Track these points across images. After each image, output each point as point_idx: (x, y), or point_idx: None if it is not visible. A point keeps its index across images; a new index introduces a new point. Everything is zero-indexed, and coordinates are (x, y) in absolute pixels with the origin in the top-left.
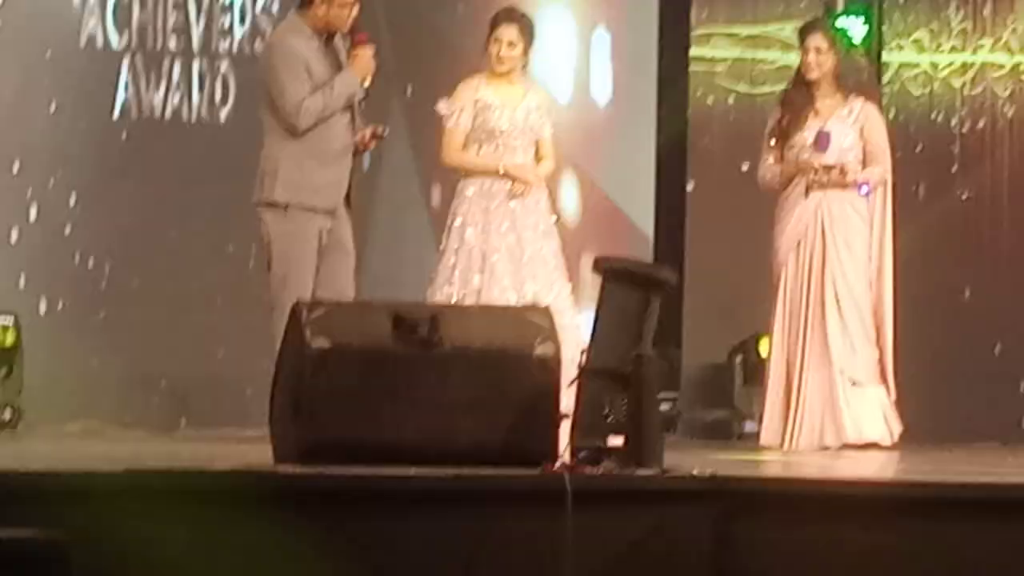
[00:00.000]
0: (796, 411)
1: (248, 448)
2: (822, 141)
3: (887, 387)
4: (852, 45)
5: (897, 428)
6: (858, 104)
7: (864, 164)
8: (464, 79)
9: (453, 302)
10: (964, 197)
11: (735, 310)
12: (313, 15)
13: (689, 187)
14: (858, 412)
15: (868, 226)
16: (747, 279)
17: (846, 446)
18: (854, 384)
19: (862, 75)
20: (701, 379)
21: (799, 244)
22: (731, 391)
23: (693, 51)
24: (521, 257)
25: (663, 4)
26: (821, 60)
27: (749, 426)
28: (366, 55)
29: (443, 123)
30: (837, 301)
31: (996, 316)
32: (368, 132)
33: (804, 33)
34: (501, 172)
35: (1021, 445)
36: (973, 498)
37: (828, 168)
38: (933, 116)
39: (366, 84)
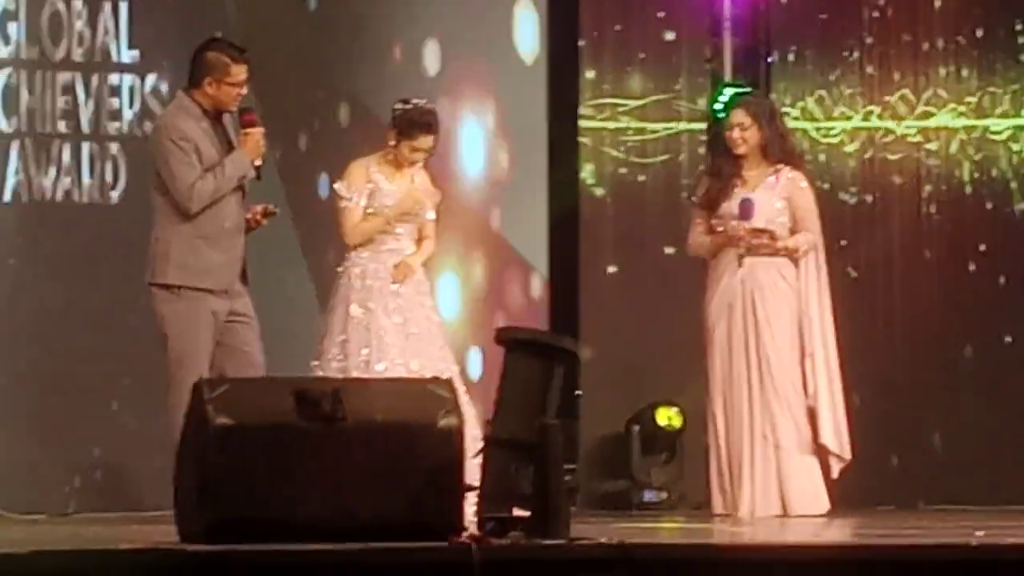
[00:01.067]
0: (735, 479)
1: (151, 528)
2: (746, 209)
3: (833, 460)
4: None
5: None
6: (784, 172)
7: (793, 231)
8: (352, 163)
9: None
10: (853, 275)
11: (631, 379)
12: (202, 94)
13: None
14: (792, 480)
15: (795, 293)
16: (643, 348)
17: (785, 515)
18: (784, 450)
19: (786, 143)
20: (598, 449)
21: (729, 310)
22: (629, 461)
23: (582, 122)
24: (407, 333)
25: (552, 73)
26: (747, 136)
27: (648, 495)
28: (256, 135)
29: (338, 203)
30: (768, 368)
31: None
32: (259, 209)
33: (727, 109)
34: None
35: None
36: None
37: (758, 232)
38: (823, 185)
39: (257, 163)
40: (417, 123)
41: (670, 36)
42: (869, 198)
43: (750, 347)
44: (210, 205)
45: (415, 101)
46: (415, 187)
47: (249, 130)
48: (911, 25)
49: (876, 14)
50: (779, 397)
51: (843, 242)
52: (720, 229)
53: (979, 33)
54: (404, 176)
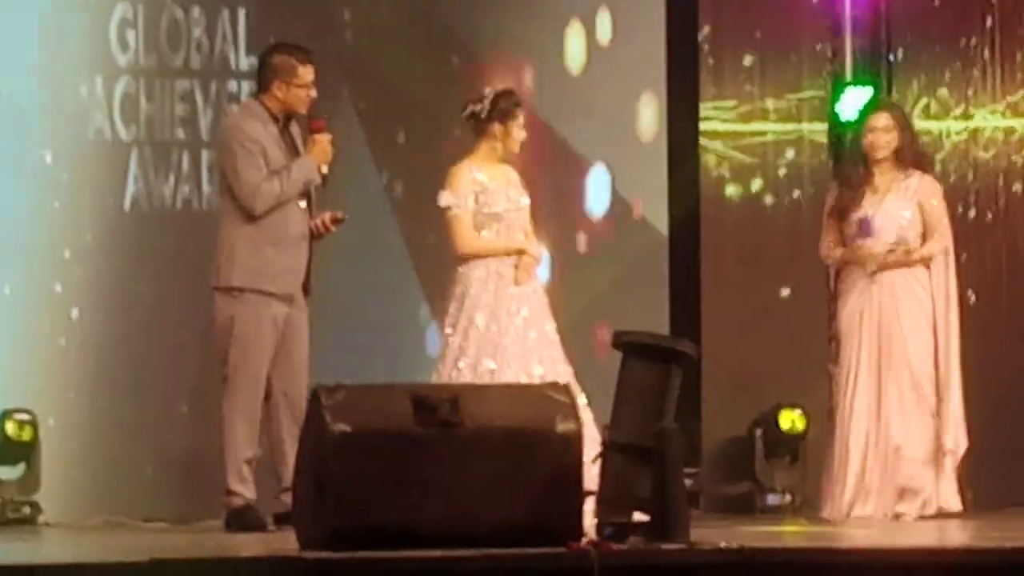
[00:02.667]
0: (858, 484)
1: (270, 537)
2: (864, 228)
3: (948, 458)
4: (848, 123)
5: (955, 499)
6: (915, 178)
7: (924, 237)
8: (452, 168)
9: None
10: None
11: (754, 382)
12: (271, 98)
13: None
14: (918, 483)
15: (930, 298)
16: (765, 351)
17: (903, 516)
18: (913, 457)
19: (918, 147)
20: (721, 453)
21: (861, 317)
22: (752, 464)
23: (703, 124)
24: (527, 339)
25: (671, 74)
26: (889, 139)
27: (771, 499)
28: (323, 141)
29: (447, 214)
30: (900, 374)
31: None
32: (327, 217)
33: (867, 112)
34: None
35: None
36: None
37: (891, 250)
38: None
39: (324, 170)
40: (510, 102)
41: (790, 37)
42: (991, 203)
43: (884, 353)
44: (276, 209)
45: (486, 90)
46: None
47: (317, 136)
48: None
49: (997, 11)
50: (911, 402)
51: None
52: (853, 243)
53: None
54: (502, 172)
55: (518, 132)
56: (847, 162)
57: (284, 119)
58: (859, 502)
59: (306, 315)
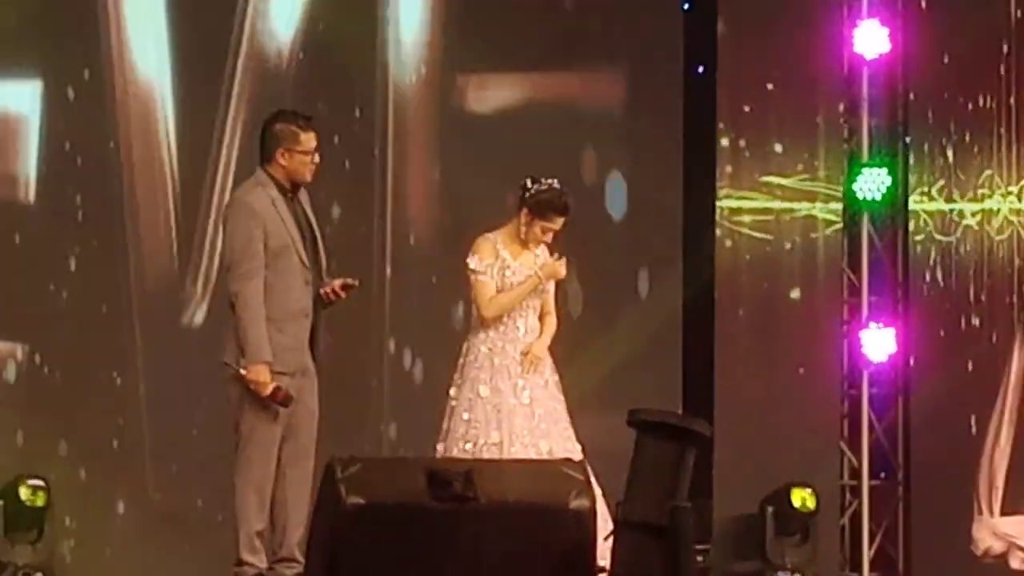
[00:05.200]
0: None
1: None
2: None
3: None
4: (867, 202)
5: None
6: None
7: None
8: (479, 238)
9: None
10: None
11: (765, 460)
12: (276, 167)
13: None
14: None
15: None
16: (777, 428)
17: None
18: None
19: None
20: (732, 530)
21: None
22: (763, 542)
23: (719, 201)
24: (534, 414)
25: (687, 156)
26: None
27: None
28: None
29: (473, 278)
30: None
31: None
32: (338, 284)
33: None
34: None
35: None
36: None
37: None
38: (961, 264)
39: None
40: (553, 205)
41: (808, 115)
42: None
43: None
44: (278, 288)
45: (547, 180)
46: (550, 264)
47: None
48: None
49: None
50: None
51: None
52: None
53: None
54: (528, 253)
55: (540, 233)
56: None
57: (292, 188)
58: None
59: (315, 386)
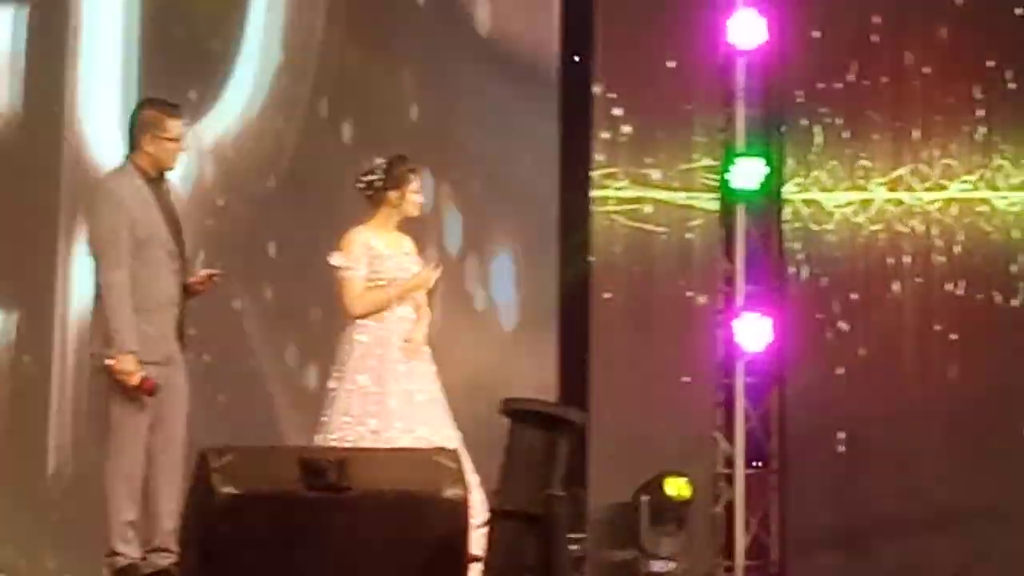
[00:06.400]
0: None
1: None
2: None
3: None
4: (743, 192)
5: None
6: None
7: None
8: (348, 232)
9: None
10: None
11: (640, 449)
12: (142, 155)
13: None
14: None
15: None
16: (652, 418)
17: None
18: None
19: None
20: (607, 519)
21: None
22: (638, 531)
23: (594, 191)
24: (414, 400)
25: (563, 145)
26: None
27: (656, 566)
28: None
29: (338, 274)
30: None
31: None
32: (204, 275)
33: None
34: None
35: None
36: None
37: None
38: (836, 253)
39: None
40: (405, 170)
41: (684, 105)
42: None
43: None
44: (144, 278)
45: (378, 161)
46: (423, 272)
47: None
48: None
49: (892, 85)
50: None
51: None
52: None
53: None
54: (396, 239)
55: (414, 196)
56: None
57: (158, 175)
58: None
59: (184, 373)
